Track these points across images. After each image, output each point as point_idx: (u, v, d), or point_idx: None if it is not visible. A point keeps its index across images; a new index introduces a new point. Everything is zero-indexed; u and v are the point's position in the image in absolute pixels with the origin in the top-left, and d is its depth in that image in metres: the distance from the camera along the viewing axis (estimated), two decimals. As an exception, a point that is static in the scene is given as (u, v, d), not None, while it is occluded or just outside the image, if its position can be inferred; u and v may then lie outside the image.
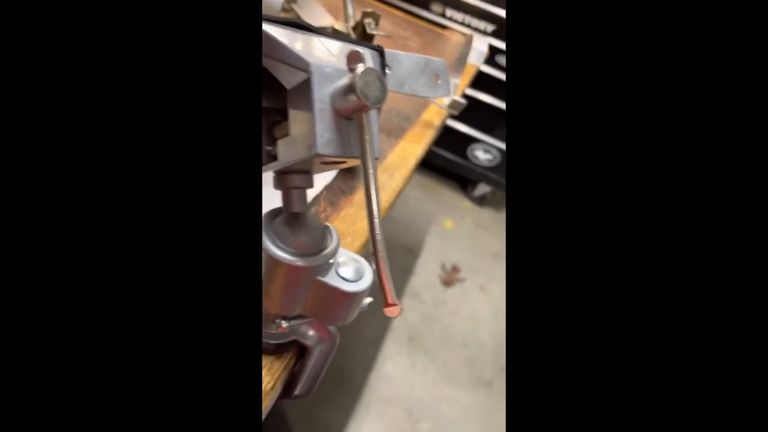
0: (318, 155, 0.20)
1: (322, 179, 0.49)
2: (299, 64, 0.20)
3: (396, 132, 0.64)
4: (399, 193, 0.55)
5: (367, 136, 0.20)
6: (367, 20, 0.53)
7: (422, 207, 1.66)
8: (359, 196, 0.49)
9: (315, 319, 0.29)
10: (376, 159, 0.22)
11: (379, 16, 0.55)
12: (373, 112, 0.21)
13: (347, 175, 0.52)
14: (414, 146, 0.63)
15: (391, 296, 0.20)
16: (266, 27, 0.21)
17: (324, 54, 0.21)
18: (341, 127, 0.20)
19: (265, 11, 0.62)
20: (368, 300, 0.29)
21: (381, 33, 0.54)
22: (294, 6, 0.55)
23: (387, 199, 0.52)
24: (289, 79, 0.21)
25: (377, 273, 0.20)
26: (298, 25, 0.23)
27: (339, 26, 0.54)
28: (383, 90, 0.19)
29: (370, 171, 0.20)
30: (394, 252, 1.39)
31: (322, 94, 0.20)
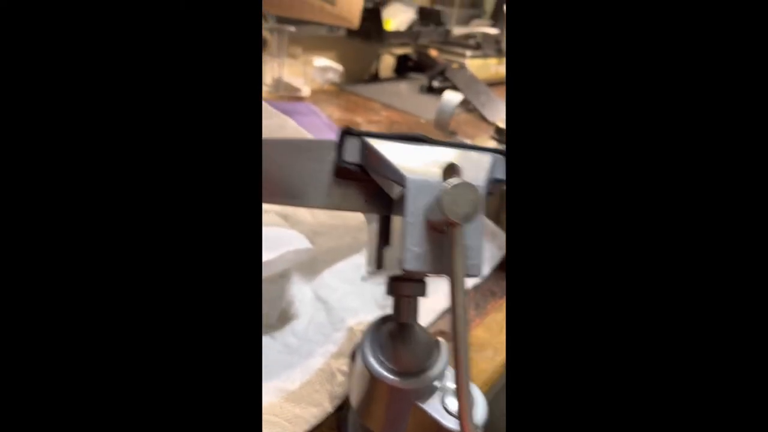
0: (406, 270, 0.19)
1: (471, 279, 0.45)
2: (396, 177, 0.20)
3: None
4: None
5: (458, 254, 0.17)
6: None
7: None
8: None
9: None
10: (474, 276, 0.19)
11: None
12: (473, 225, 0.19)
13: (500, 274, 0.48)
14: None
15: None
16: (371, 141, 0.22)
17: (430, 166, 0.21)
18: (434, 241, 0.19)
19: (439, 117, 0.67)
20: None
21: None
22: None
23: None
24: (392, 190, 0.21)
25: (459, 411, 0.16)
26: (414, 138, 0.23)
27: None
28: (474, 206, 0.17)
29: (460, 293, 0.17)
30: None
31: (416, 207, 0.19)
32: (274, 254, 0.35)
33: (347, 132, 0.23)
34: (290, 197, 0.24)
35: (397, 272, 0.22)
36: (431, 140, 0.23)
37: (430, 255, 0.18)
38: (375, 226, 0.26)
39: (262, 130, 0.48)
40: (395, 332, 0.24)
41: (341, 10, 0.60)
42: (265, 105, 0.43)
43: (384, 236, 0.25)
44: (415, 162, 0.21)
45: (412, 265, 0.18)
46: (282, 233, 0.40)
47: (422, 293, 0.24)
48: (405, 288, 0.24)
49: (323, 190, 0.24)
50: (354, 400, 0.27)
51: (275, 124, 0.44)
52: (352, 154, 0.22)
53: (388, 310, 0.40)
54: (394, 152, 0.21)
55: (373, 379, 0.23)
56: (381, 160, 0.21)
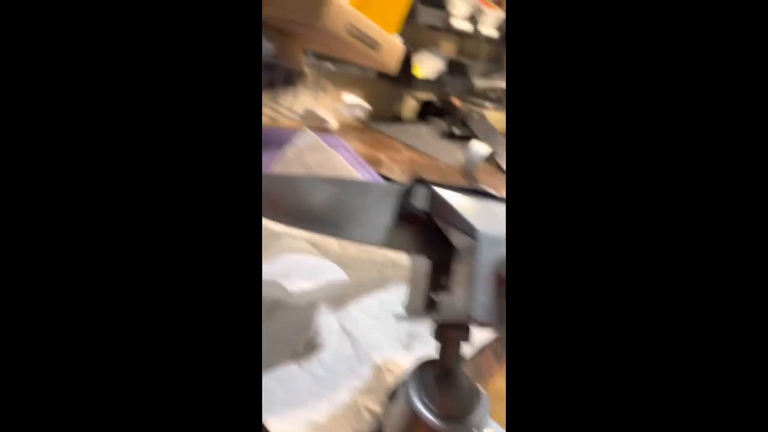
0: (475, 321, 0.20)
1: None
2: (467, 229, 0.21)
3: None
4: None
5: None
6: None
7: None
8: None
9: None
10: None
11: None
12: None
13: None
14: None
15: None
16: (440, 191, 0.23)
17: (496, 221, 0.22)
18: (501, 294, 0.20)
19: (467, 166, 0.70)
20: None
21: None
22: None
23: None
24: (458, 241, 0.23)
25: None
26: (480, 191, 0.25)
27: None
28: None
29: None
30: None
31: (487, 260, 0.20)
32: (310, 284, 0.36)
33: (418, 180, 0.24)
34: (350, 234, 0.25)
35: (450, 319, 0.23)
36: (491, 195, 0.25)
37: (497, 307, 0.20)
38: (421, 269, 0.28)
39: (311, 161, 0.50)
40: (441, 376, 0.25)
41: (384, 57, 0.64)
42: (313, 136, 0.45)
43: (436, 281, 0.26)
44: (482, 215, 0.22)
45: (481, 316, 0.19)
46: (317, 263, 0.41)
47: (467, 339, 0.25)
48: (454, 334, 0.25)
49: (385, 231, 0.25)
50: (389, 440, 0.27)
51: (324, 158, 0.47)
52: (420, 200, 0.24)
53: (413, 348, 0.40)
54: (461, 203, 0.23)
55: (417, 422, 0.24)
56: (450, 210, 0.23)
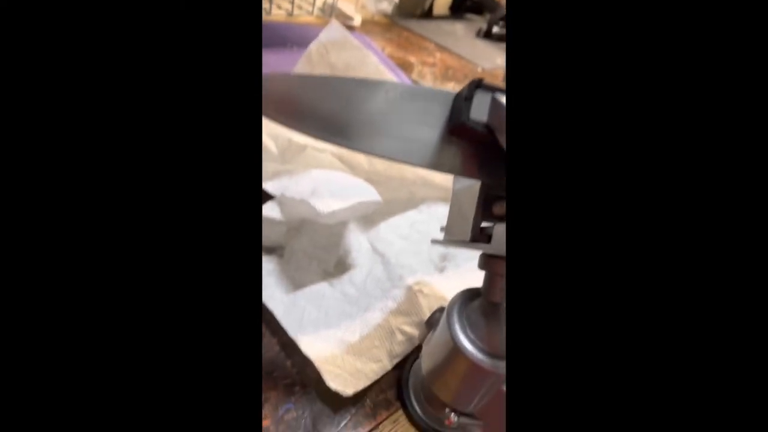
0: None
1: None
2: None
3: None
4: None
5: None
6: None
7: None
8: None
9: (487, 427, 0.25)
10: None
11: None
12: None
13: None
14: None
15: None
16: (503, 99, 0.19)
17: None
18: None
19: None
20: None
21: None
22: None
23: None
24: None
25: None
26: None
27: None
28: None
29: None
30: None
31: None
32: (343, 204, 0.33)
33: (477, 85, 0.20)
34: (387, 150, 0.21)
35: (503, 252, 0.20)
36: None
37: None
38: (469, 193, 0.24)
39: (337, 61, 0.43)
40: (487, 311, 0.23)
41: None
42: (341, 30, 0.39)
43: (487, 209, 0.23)
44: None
45: None
46: (348, 180, 0.38)
47: None
48: (501, 267, 0.22)
49: (431, 148, 0.21)
50: (426, 366, 0.26)
51: (353, 56, 0.40)
52: (478, 110, 0.20)
53: (446, 272, 0.39)
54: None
55: (458, 355, 0.22)
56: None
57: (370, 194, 0.36)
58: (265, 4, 0.84)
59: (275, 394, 0.27)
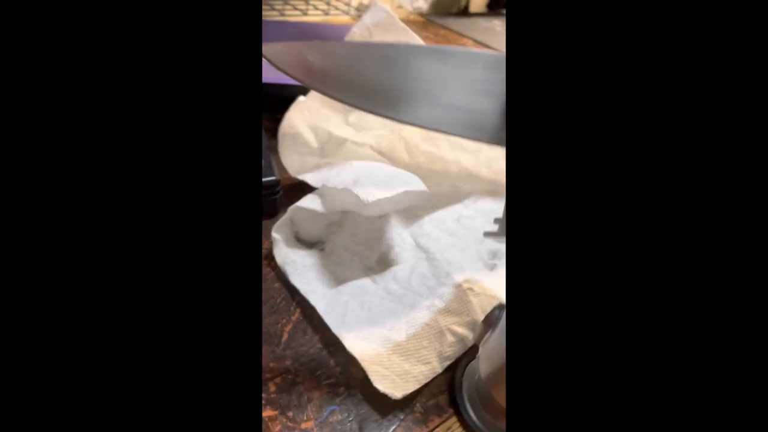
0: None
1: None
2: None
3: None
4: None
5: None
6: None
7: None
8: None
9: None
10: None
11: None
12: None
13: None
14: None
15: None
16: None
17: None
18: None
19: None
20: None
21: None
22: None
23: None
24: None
25: None
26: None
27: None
28: None
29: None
30: None
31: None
32: (387, 193, 0.31)
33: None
34: (443, 122, 0.19)
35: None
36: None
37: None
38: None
39: (387, 41, 0.41)
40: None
41: None
42: (386, 11, 0.37)
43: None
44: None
45: None
46: (394, 172, 0.36)
47: None
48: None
49: (493, 120, 0.19)
50: (485, 369, 0.23)
51: (401, 38, 0.39)
52: None
53: (497, 270, 0.36)
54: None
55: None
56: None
57: (415, 184, 0.34)
58: (301, 5, 0.85)
59: (319, 394, 0.26)
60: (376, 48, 0.20)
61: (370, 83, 0.19)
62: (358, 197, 0.30)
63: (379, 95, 0.19)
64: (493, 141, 0.19)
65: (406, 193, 0.32)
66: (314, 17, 0.83)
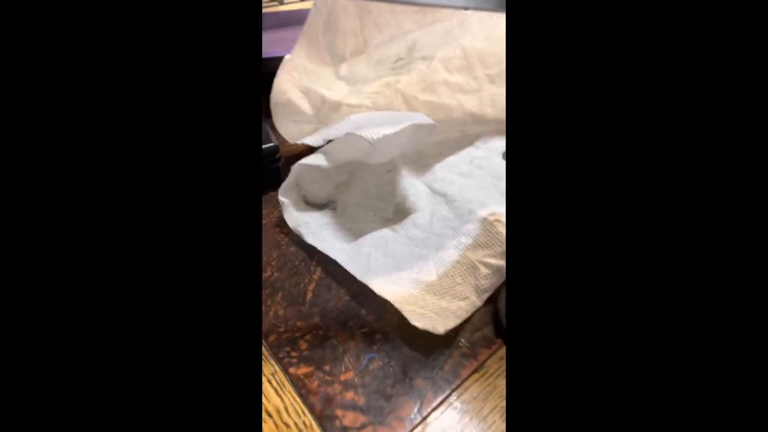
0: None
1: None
2: None
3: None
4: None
5: None
6: None
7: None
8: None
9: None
10: None
11: None
12: None
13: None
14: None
15: None
16: None
17: None
18: None
19: None
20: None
21: None
22: None
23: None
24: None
25: None
26: None
27: None
28: None
29: None
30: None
31: None
32: (391, 129, 0.29)
33: None
34: None
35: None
36: None
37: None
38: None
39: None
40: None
41: None
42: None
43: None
44: None
45: None
46: (396, 114, 0.34)
47: None
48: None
49: None
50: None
51: None
52: None
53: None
54: None
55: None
56: None
57: (421, 118, 0.32)
58: (276, -5, 0.83)
59: (354, 344, 0.24)
60: None
61: None
62: (363, 138, 0.28)
63: None
64: (473, 5, 0.17)
65: (413, 125, 0.30)
66: (291, 5, 0.81)
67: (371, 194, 0.35)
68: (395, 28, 0.42)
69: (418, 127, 0.31)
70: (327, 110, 0.41)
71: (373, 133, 0.28)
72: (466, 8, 0.17)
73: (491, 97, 0.43)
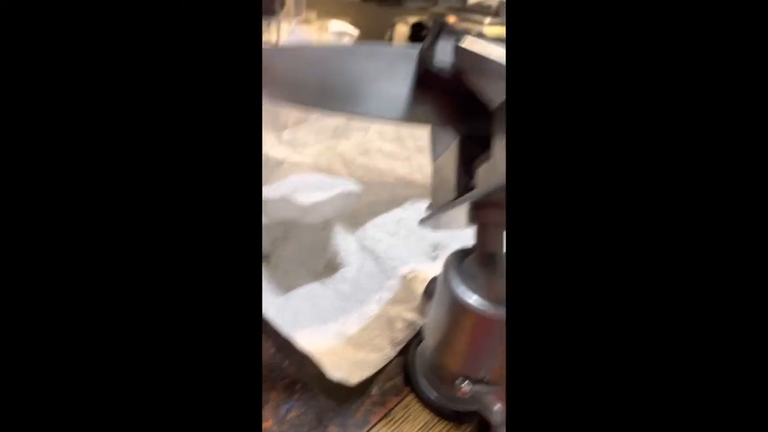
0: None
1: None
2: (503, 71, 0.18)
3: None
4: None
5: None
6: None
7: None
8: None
9: (503, 392, 0.23)
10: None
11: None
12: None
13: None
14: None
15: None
16: (470, 40, 0.19)
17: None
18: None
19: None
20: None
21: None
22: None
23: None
24: (495, 97, 0.19)
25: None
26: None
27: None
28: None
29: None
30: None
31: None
32: (323, 195, 0.33)
33: (438, 32, 0.20)
34: (362, 107, 0.22)
35: (493, 187, 0.20)
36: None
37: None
38: (449, 157, 0.24)
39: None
40: (483, 262, 0.22)
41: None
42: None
43: (469, 157, 0.23)
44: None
45: None
46: (327, 179, 0.38)
47: None
48: (491, 215, 0.22)
49: (403, 101, 0.22)
50: (432, 339, 0.25)
51: None
52: (443, 54, 0.20)
53: (440, 260, 0.38)
54: (496, 51, 0.19)
55: (462, 311, 0.21)
56: (481, 60, 0.19)
57: (349, 186, 0.36)
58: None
59: (275, 394, 0.25)
60: (303, 51, 0.22)
61: (308, 83, 0.21)
62: (296, 202, 0.32)
63: (318, 93, 0.21)
64: (406, 119, 0.22)
65: (341, 193, 0.34)
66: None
67: (305, 249, 0.38)
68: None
69: (348, 194, 0.35)
70: (270, 168, 0.44)
71: (306, 198, 0.32)
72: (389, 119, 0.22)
73: (420, 165, 0.48)
